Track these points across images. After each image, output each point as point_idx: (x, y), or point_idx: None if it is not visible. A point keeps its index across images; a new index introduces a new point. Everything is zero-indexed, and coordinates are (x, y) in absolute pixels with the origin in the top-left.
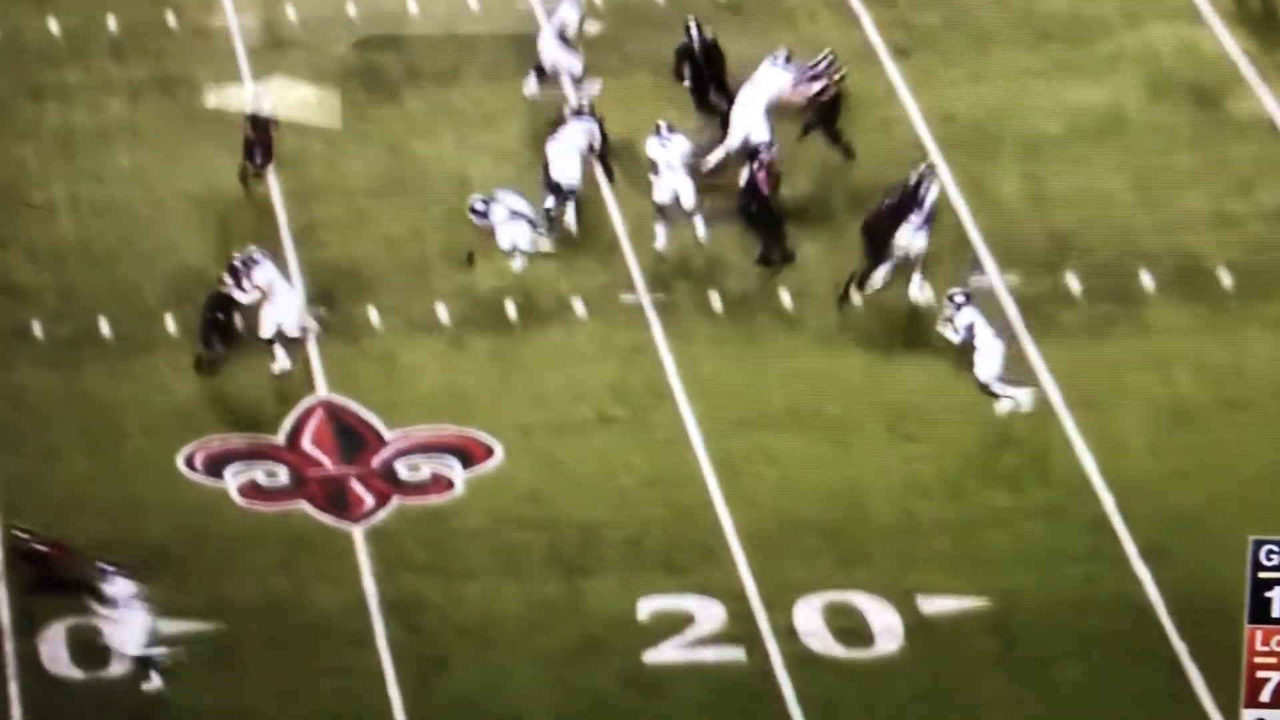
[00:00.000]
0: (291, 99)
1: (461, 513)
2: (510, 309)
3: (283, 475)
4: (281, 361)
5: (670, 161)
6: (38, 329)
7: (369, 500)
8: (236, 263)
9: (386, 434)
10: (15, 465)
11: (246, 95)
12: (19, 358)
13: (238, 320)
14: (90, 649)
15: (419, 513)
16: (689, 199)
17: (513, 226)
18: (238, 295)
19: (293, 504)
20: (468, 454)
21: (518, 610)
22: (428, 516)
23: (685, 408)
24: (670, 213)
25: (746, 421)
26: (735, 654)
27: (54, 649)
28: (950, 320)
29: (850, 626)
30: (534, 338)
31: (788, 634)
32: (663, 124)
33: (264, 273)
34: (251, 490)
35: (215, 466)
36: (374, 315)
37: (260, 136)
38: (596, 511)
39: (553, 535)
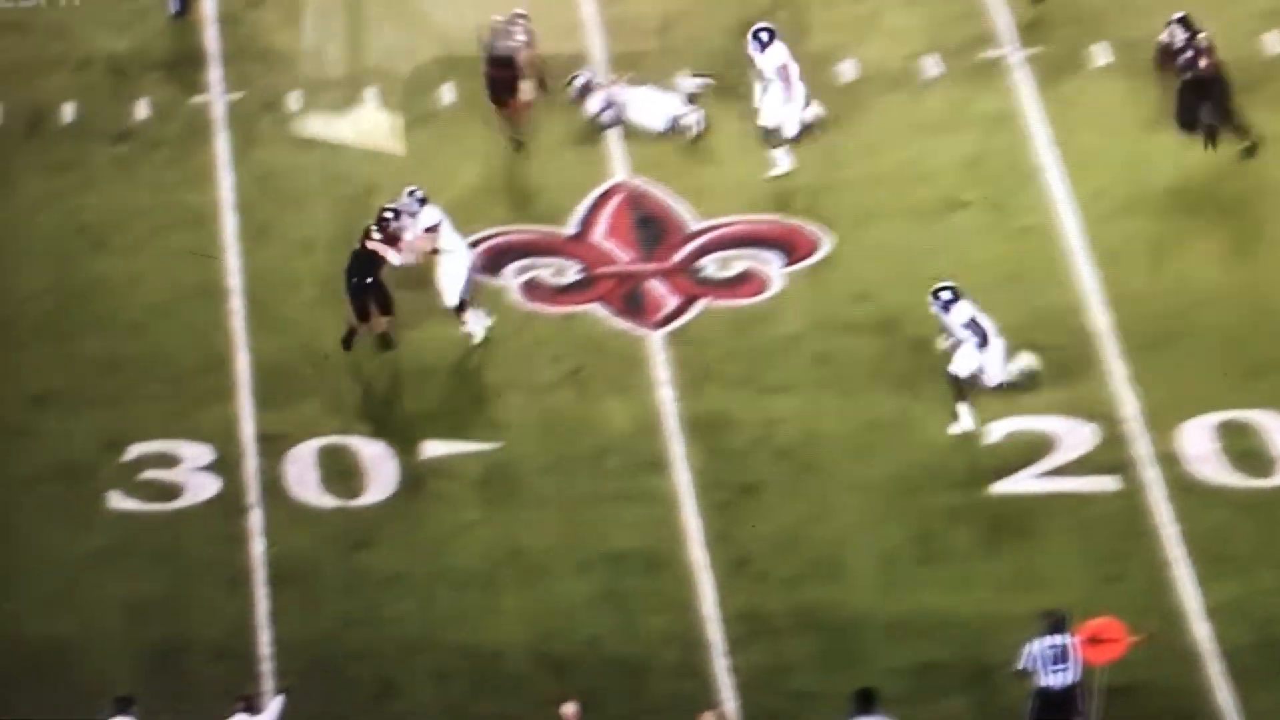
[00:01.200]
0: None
1: (778, 316)
2: (848, 68)
3: (572, 272)
4: (474, 326)
5: None
6: None
7: (670, 301)
8: (388, 211)
9: (693, 224)
10: None
11: None
12: None
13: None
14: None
15: (728, 316)
16: None
17: None
18: (390, 256)
19: (582, 306)
20: (788, 246)
21: (841, 430)
22: (738, 320)
23: (1056, 188)
24: None
25: (1131, 205)
26: (1105, 484)
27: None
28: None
29: (1247, 449)
30: (873, 105)
31: (1171, 459)
32: None
33: (430, 215)
34: (536, 290)
35: (496, 262)
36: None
37: None
38: (923, 313)
39: (886, 342)
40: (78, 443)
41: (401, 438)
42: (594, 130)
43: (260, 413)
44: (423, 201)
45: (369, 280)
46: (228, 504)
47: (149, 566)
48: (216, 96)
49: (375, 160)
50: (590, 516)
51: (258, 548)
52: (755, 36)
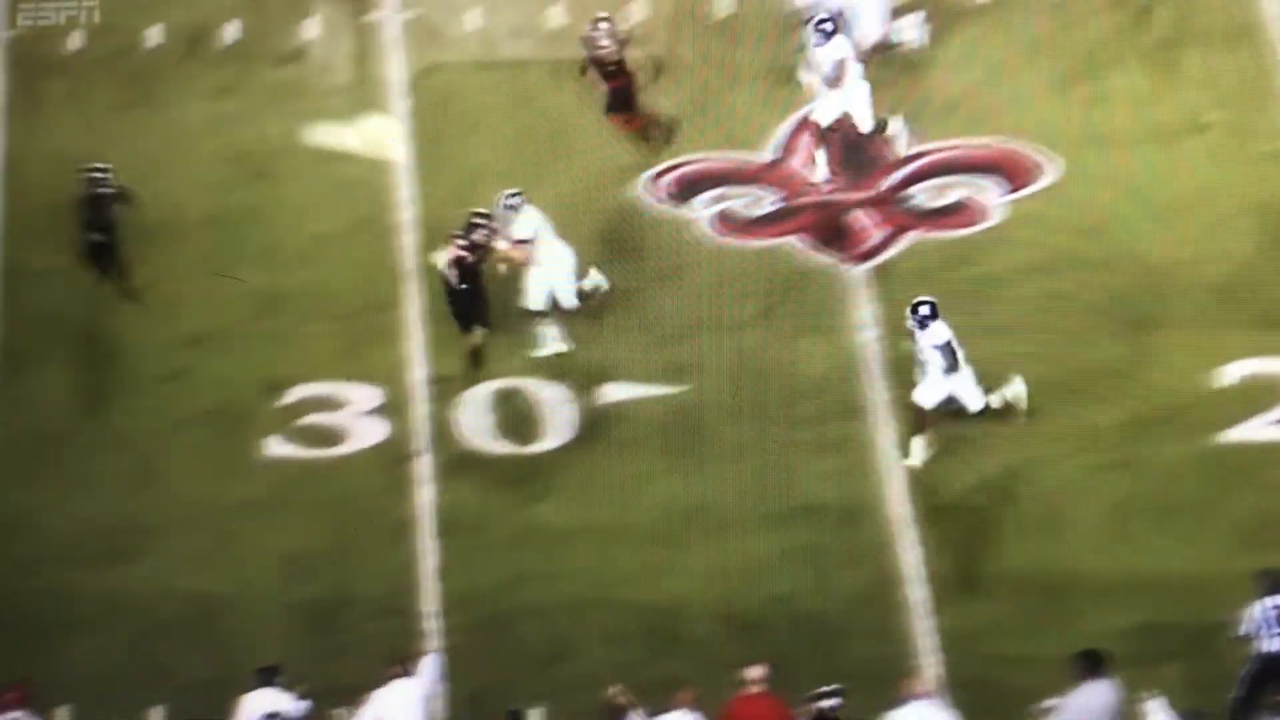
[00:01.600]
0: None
1: (996, 249)
2: None
3: (768, 202)
4: (551, 344)
5: None
6: None
7: (875, 233)
8: (479, 217)
9: (904, 149)
10: None
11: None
12: None
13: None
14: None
15: (940, 249)
16: None
17: None
18: (450, 276)
19: (779, 238)
20: (1009, 173)
21: (1061, 374)
22: (952, 254)
23: None
24: None
25: None
26: None
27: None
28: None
29: None
30: (1091, 23)
31: None
32: None
33: (526, 223)
34: (729, 221)
35: (686, 191)
36: None
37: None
38: (1169, 247)
39: (1114, 279)
40: (235, 386)
41: (581, 380)
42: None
43: (432, 353)
44: (517, 207)
45: (463, 288)
46: (394, 451)
47: (308, 517)
48: (390, 15)
49: (561, 77)
50: (782, 466)
51: (425, 497)
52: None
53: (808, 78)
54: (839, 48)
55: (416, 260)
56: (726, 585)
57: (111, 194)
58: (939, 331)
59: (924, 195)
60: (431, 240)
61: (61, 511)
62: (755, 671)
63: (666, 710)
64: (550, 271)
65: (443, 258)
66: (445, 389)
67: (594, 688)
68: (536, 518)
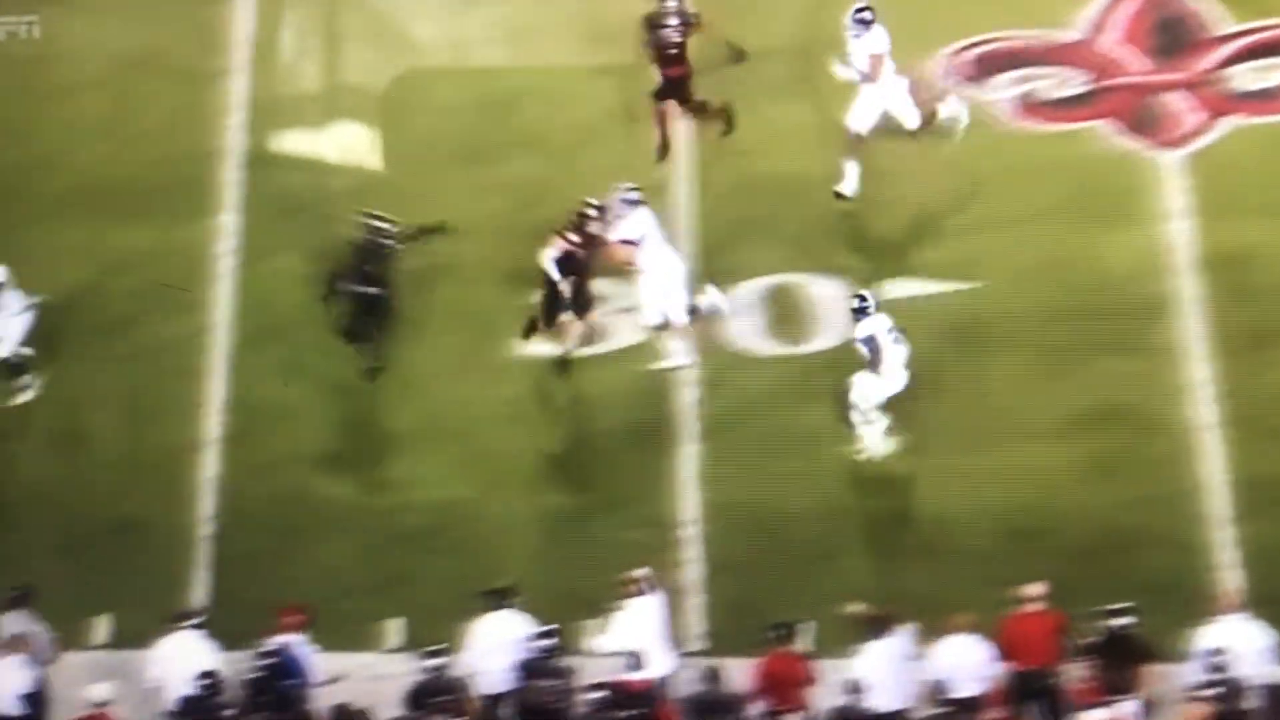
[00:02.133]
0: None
1: None
2: None
3: (1075, 84)
4: (676, 358)
5: None
6: None
7: (1191, 118)
8: (592, 207)
9: (1225, 27)
10: None
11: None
12: None
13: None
14: None
15: (1264, 136)
16: None
17: None
18: (551, 269)
19: (1084, 123)
20: None
21: None
22: (1273, 141)
23: None
24: None
25: None
26: None
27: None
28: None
29: None
30: None
31: None
32: None
33: (638, 223)
34: (1031, 104)
35: (984, 71)
36: None
37: None
38: None
39: None
40: (489, 285)
41: (861, 276)
42: None
43: (700, 249)
44: (634, 204)
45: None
46: (654, 350)
47: (562, 418)
48: None
49: None
50: (1077, 368)
51: (688, 399)
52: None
53: (845, 72)
54: (877, 41)
55: (685, 153)
56: (1007, 494)
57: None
58: (875, 324)
59: (1245, 77)
60: None
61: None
62: (1034, 589)
63: (942, 634)
64: (662, 282)
65: (550, 253)
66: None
67: (861, 599)
68: (805, 421)
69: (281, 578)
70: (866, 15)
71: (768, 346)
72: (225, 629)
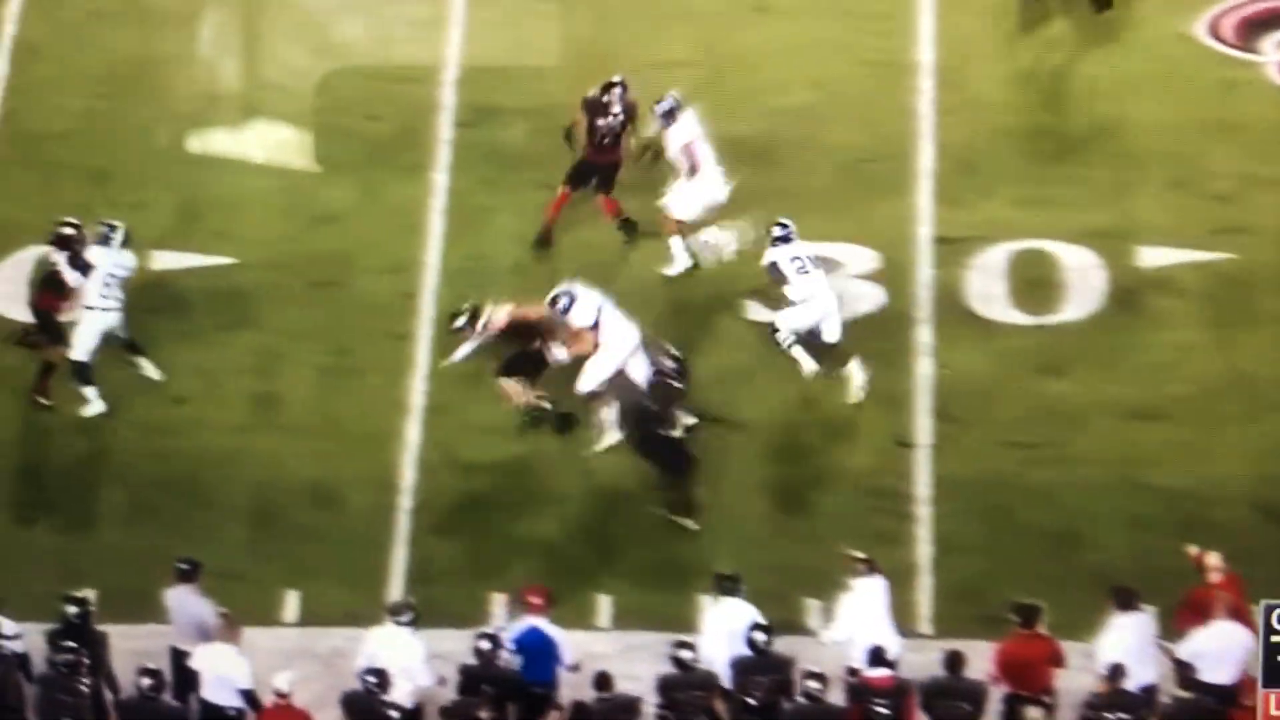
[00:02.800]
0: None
1: None
2: None
3: None
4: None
5: None
6: None
7: None
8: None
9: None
10: None
11: None
12: None
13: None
14: None
15: None
16: None
17: None
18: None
19: None
20: None
21: None
22: None
23: None
24: None
25: None
26: None
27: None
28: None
29: None
30: None
31: None
32: None
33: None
34: None
35: (1249, 34)
36: None
37: None
38: None
39: None
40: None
41: (1113, 244)
42: None
43: (940, 210)
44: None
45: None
46: (892, 319)
47: (788, 384)
48: None
49: None
50: None
51: (923, 369)
52: None
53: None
54: (686, 129)
55: (933, 105)
56: (1265, 469)
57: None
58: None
59: None
60: (949, 85)
61: None
62: (1212, 559)
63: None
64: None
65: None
66: (954, 251)
67: (1107, 579)
68: (1050, 394)
69: (484, 554)
70: (667, 105)
71: (1013, 315)
72: (432, 608)
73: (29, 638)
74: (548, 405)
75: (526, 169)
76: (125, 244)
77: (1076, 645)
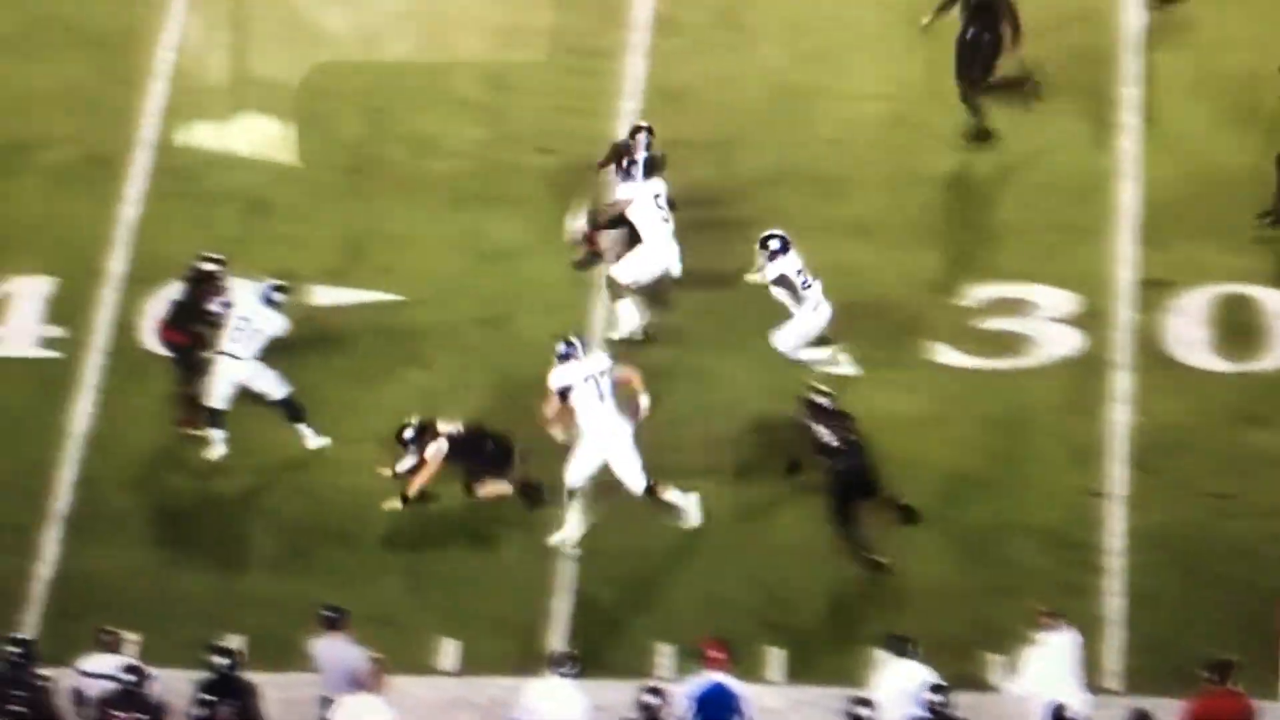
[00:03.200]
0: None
1: None
2: None
3: None
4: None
5: None
6: None
7: None
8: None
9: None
10: None
11: None
12: None
13: None
14: None
15: None
16: None
17: None
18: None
19: None
20: None
21: None
22: None
23: None
24: None
25: None
26: None
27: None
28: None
29: None
30: None
31: None
32: None
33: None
34: None
35: None
36: None
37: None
38: None
39: None
40: (904, 281)
41: None
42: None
43: (1142, 253)
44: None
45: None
46: (1088, 364)
47: (977, 431)
48: None
49: None
50: None
51: (1118, 417)
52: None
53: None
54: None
55: (1137, 144)
56: None
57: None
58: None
59: None
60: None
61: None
62: None
63: None
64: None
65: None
66: (1156, 294)
67: None
68: (1250, 443)
69: (650, 603)
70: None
71: (1216, 362)
72: (595, 659)
73: (170, 684)
74: (538, 484)
75: (703, 206)
76: (280, 304)
77: (1271, 705)
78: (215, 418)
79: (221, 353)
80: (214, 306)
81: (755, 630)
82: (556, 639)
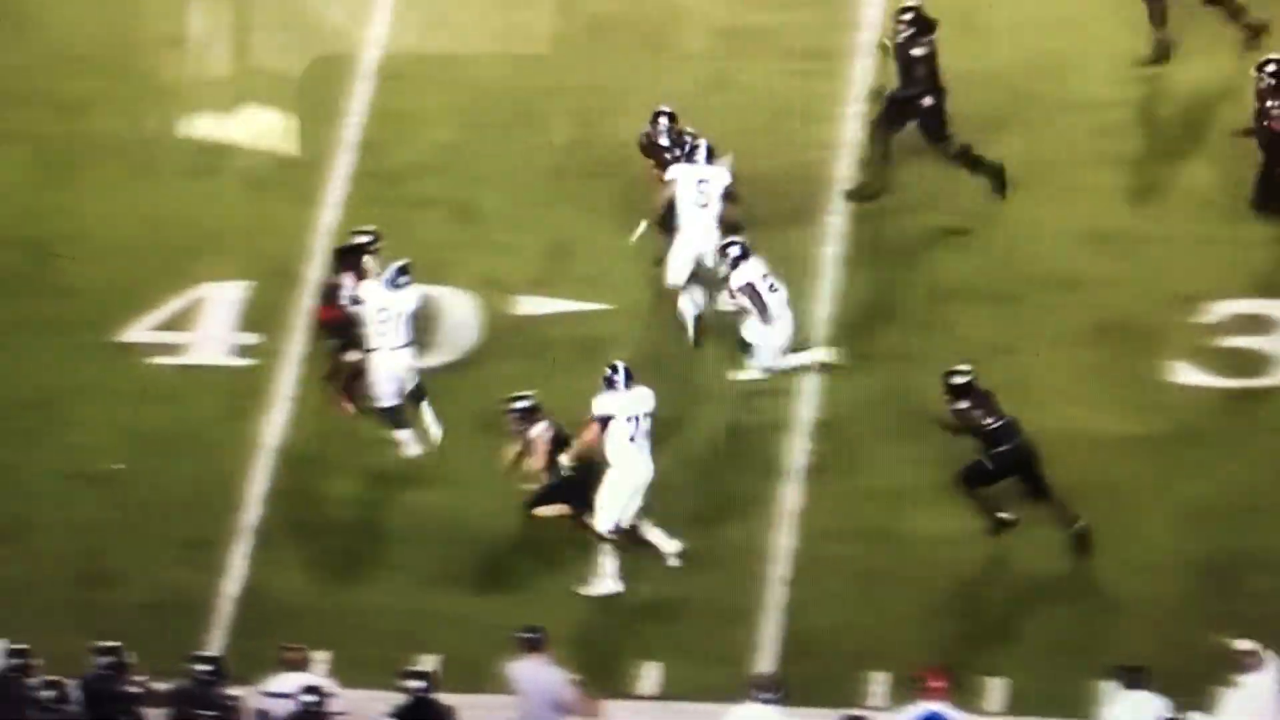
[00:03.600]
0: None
1: None
2: None
3: None
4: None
5: None
6: None
7: None
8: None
9: None
10: None
11: None
12: None
13: None
14: None
15: None
16: None
17: None
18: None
19: None
20: None
21: None
22: None
23: None
24: None
25: None
26: None
27: None
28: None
29: None
30: None
31: None
32: None
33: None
34: None
35: None
36: None
37: None
38: None
39: None
40: (1138, 297)
41: None
42: None
43: None
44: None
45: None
46: None
47: (1218, 458)
48: None
49: None
50: None
51: None
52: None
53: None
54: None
55: None
56: None
57: None
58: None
59: None
60: None
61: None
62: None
63: None
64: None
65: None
66: None
67: None
68: None
69: (862, 629)
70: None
71: None
72: (803, 686)
73: (361, 704)
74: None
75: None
76: (406, 285)
77: None
78: (395, 416)
79: (372, 349)
80: (343, 302)
81: (972, 658)
82: (762, 663)
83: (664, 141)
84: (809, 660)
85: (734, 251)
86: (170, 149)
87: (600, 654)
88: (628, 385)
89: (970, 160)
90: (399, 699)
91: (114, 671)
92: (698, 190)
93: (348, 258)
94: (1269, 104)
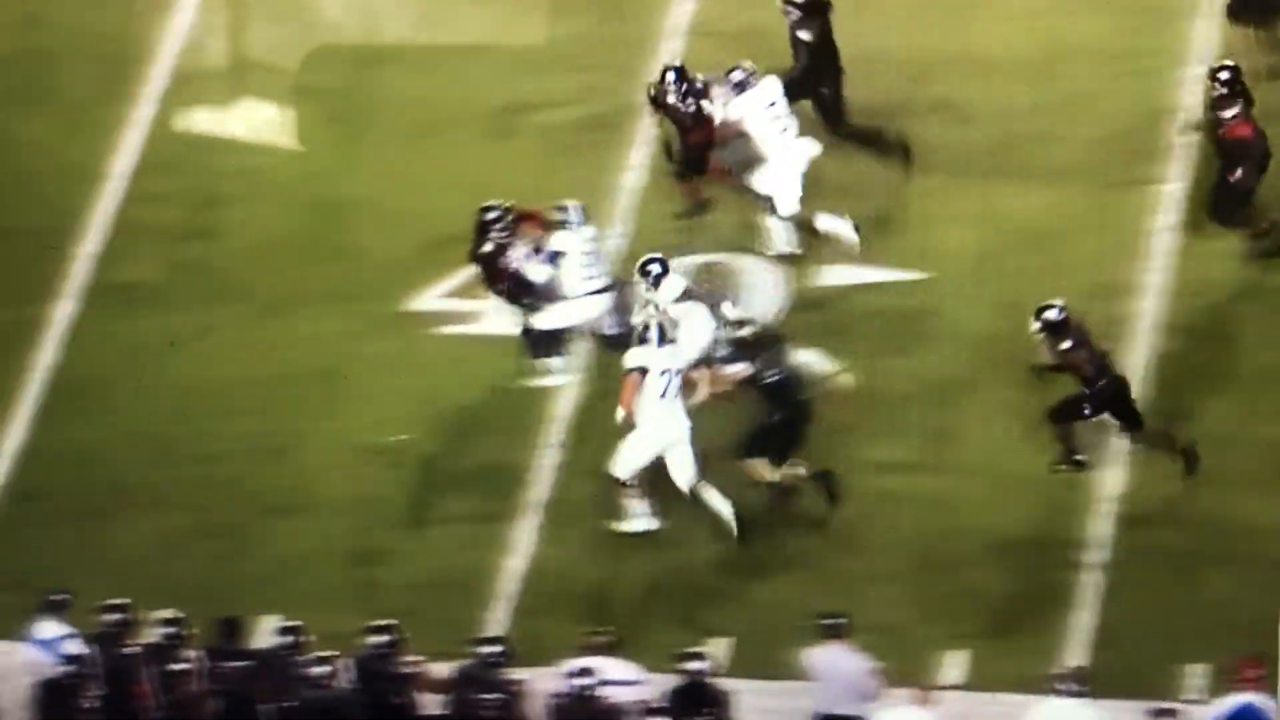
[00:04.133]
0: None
1: None
2: None
3: None
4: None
5: None
6: None
7: None
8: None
9: None
10: None
11: None
12: None
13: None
14: None
15: None
16: None
17: None
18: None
19: None
20: None
21: None
22: None
23: None
24: None
25: None
26: None
27: None
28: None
29: None
30: None
31: None
32: None
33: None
34: None
35: None
36: None
37: None
38: None
39: None
40: None
41: None
42: None
43: None
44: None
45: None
46: None
47: None
48: None
49: None
50: None
51: None
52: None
53: None
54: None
55: None
56: None
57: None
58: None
59: None
60: None
61: None
62: None
63: None
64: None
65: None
66: None
67: None
68: None
69: (1177, 618)
70: (739, 76)
71: None
72: (1116, 678)
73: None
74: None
75: None
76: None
77: None
78: (544, 343)
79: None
80: (519, 258)
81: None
82: (1072, 654)
83: (671, 100)
84: (1119, 651)
85: (658, 269)
86: (467, 109)
87: (900, 641)
88: (661, 342)
89: (870, 139)
90: (675, 680)
91: (388, 650)
92: (771, 116)
93: (484, 230)
94: (1222, 113)
